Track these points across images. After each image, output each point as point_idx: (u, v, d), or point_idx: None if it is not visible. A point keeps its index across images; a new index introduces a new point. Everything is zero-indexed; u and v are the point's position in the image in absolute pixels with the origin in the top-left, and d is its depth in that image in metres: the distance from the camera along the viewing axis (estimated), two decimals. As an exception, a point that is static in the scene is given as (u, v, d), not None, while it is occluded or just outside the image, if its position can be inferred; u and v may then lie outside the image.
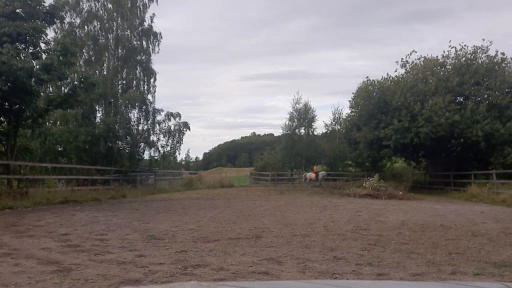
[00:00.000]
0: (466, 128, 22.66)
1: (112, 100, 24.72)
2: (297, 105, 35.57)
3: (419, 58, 26.79)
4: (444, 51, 26.32)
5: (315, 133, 37.27)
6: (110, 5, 25.28)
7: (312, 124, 36.09)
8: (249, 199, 17.85)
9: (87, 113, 24.11)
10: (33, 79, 13.90)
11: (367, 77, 28.12)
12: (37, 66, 14.43)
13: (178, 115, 26.77)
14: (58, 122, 23.80)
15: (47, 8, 15.33)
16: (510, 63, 24.86)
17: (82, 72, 21.36)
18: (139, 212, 12.00)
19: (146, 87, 26.65)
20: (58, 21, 16.91)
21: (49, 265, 5.02)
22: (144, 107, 25.71)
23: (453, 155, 24.64)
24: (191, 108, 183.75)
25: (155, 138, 26.19)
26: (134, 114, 25.45)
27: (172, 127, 26.53)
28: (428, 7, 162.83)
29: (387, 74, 27.38)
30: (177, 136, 26.62)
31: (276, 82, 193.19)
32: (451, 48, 25.64)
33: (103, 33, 25.30)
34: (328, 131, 36.96)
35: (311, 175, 28.14)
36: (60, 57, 15.17)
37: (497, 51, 24.78)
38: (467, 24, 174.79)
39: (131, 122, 25.23)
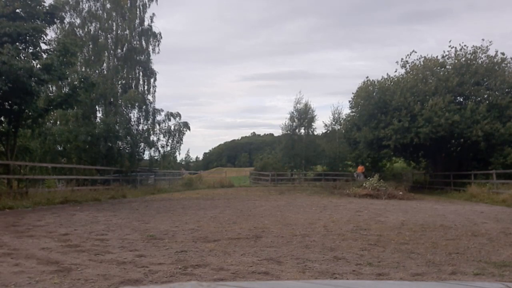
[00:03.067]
0: (466, 128, 22.67)
1: (112, 100, 24.72)
2: (298, 105, 35.59)
3: (419, 58, 26.85)
4: (444, 51, 26.42)
5: (315, 133, 37.30)
6: (109, 5, 25.28)
7: (312, 124, 36.11)
8: (249, 199, 17.85)
9: (87, 113, 24.10)
10: (33, 79, 13.88)
11: (367, 77, 28.16)
12: (37, 66, 14.42)
13: (178, 115, 26.81)
14: (58, 122, 23.80)
15: (47, 8, 15.32)
16: (510, 63, 24.89)
17: (82, 72, 21.36)
18: (139, 212, 12.00)
19: (146, 87, 26.69)
20: (58, 21, 16.90)
21: (49, 265, 5.02)
22: (144, 107, 25.72)
23: (453, 155, 24.64)
24: (191, 108, 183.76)
25: (155, 138, 26.23)
26: (134, 114, 25.51)
27: (172, 127, 26.56)
28: (427, 8, 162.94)
29: (387, 74, 27.45)
30: (177, 136, 26.64)
31: (276, 82, 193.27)
32: (451, 48, 25.70)
33: (103, 33, 25.30)
34: (328, 131, 37.01)
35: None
36: (60, 57, 15.16)
37: (497, 51, 24.86)
38: (466, 25, 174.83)
39: (131, 122, 25.24)
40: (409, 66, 26.91)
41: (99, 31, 25.17)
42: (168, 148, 26.78)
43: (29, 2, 14.92)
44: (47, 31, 15.75)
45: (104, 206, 14.04)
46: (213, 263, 5.29)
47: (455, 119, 22.40)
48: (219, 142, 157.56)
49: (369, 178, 25.05)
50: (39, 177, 18.60)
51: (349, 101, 29.57)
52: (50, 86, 19.28)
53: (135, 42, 26.08)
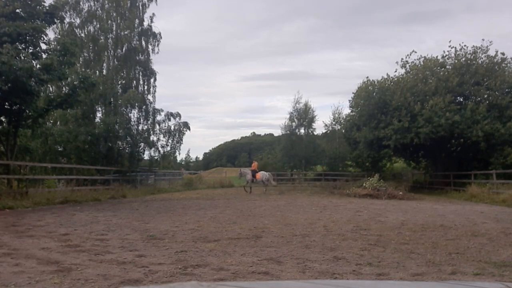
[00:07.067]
0: (466, 128, 22.66)
1: (112, 100, 24.71)
2: (297, 104, 35.64)
3: (419, 58, 26.82)
4: (444, 51, 26.40)
5: (315, 133, 37.34)
6: (109, 5, 25.27)
7: (312, 124, 36.15)
8: (249, 199, 17.84)
9: (87, 113, 24.09)
10: (33, 79, 13.89)
11: (367, 77, 28.15)
12: (37, 66, 14.42)
13: (178, 115, 26.81)
14: (58, 122, 23.80)
15: (47, 8, 15.32)
16: (510, 63, 24.88)
17: (82, 72, 21.35)
18: (139, 212, 12.00)
19: (146, 87, 26.68)
20: (58, 21, 16.90)
21: (49, 265, 5.02)
22: (144, 107, 25.72)
23: (453, 155, 24.63)
24: (191, 108, 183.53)
25: (155, 138, 26.24)
26: (134, 114, 25.51)
27: (172, 127, 26.57)
28: (426, 9, 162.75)
29: (387, 74, 27.42)
30: (177, 136, 26.64)
31: (275, 82, 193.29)
32: (451, 48, 25.68)
33: (103, 33, 25.29)
34: (328, 131, 37.03)
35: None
36: (60, 57, 15.16)
37: (497, 51, 24.82)
38: (465, 26, 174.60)
39: (131, 122, 25.24)
40: (409, 66, 26.89)
41: (99, 31, 25.15)
42: (168, 148, 26.83)
43: (29, 2, 14.92)
44: (47, 31, 15.77)
45: (104, 206, 14.04)
46: (213, 263, 5.28)
47: (455, 119, 22.39)
48: (219, 142, 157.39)
49: (255, 180, 23.25)
50: (39, 177, 18.58)
51: (349, 101, 29.60)
52: (50, 86, 19.28)
53: (134, 42, 26.07)
